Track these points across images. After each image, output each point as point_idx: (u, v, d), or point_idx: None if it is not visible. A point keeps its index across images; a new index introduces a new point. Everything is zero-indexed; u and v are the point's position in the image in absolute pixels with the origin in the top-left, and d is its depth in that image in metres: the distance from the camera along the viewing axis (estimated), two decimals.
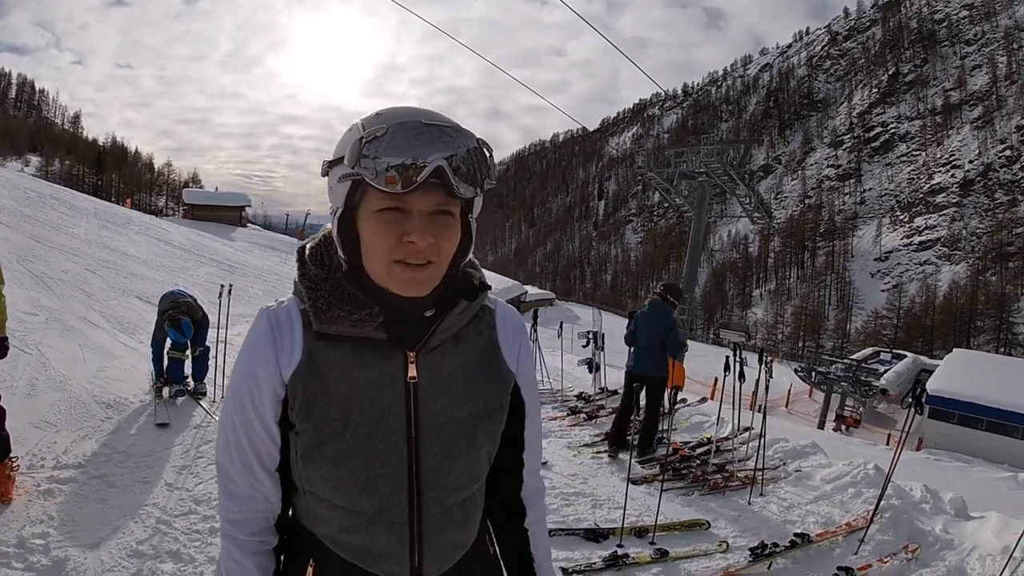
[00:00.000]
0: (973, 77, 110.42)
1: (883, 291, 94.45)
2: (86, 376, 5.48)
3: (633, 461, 4.82)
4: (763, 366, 5.20)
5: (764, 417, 4.99)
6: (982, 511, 4.77)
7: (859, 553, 3.83)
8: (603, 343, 7.60)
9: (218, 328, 5.74)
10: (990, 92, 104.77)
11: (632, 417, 5.15)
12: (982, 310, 79.05)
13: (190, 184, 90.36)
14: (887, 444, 13.52)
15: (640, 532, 3.86)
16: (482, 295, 1.00)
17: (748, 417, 5.81)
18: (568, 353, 9.29)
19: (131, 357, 6.41)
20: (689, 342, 6.26)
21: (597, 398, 7.26)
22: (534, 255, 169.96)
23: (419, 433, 0.92)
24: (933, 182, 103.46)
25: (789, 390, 23.46)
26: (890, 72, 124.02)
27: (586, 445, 5.74)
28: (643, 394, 5.67)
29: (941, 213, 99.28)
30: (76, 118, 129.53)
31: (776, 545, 3.71)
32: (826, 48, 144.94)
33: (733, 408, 5.70)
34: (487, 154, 0.89)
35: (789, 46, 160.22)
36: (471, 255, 0.98)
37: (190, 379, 5.55)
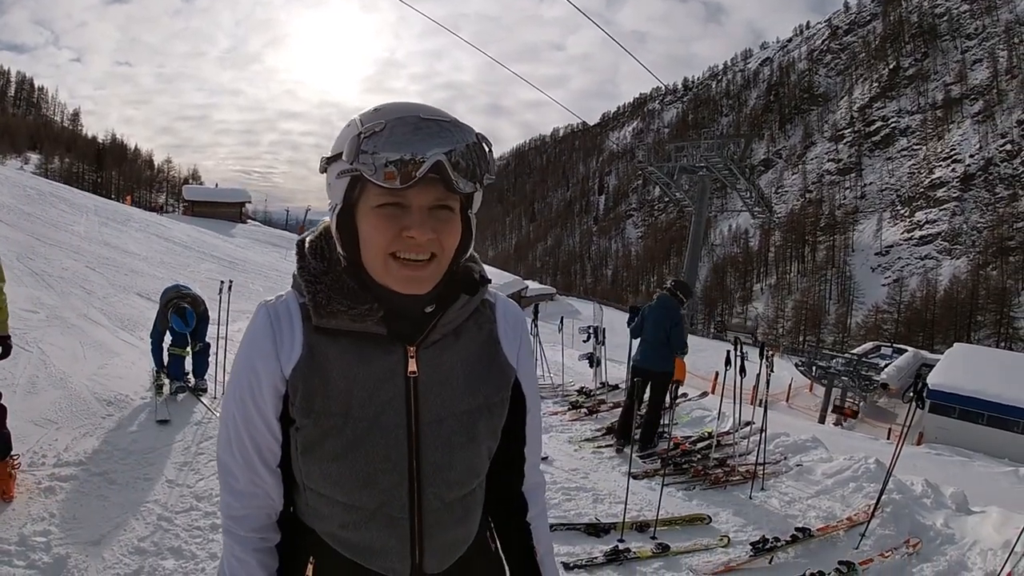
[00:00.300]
0: (974, 71, 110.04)
1: (884, 285, 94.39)
2: (87, 373, 5.48)
3: (634, 456, 4.82)
4: (764, 360, 5.20)
5: (765, 412, 4.99)
6: (983, 506, 4.78)
7: (860, 547, 3.84)
8: (604, 338, 7.60)
9: (218, 324, 5.74)
10: (991, 86, 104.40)
11: (635, 412, 5.16)
12: (983, 304, 79.00)
13: (190, 181, 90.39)
14: (888, 439, 13.55)
15: (641, 527, 3.86)
16: (482, 289, 0.99)
17: (749, 412, 5.81)
18: (569, 348, 9.31)
19: (131, 354, 6.41)
20: (690, 336, 6.25)
21: (598, 393, 7.27)
22: (534, 250, 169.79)
23: (419, 428, 0.92)
24: (934, 176, 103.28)
25: (790, 385, 23.51)
26: (891, 66, 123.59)
27: (587, 440, 5.75)
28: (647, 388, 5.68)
29: (942, 207, 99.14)
30: (75, 115, 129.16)
31: (777, 539, 3.71)
32: (826, 42, 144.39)
33: (734, 403, 5.69)
34: (486, 149, 0.88)
35: (789, 40, 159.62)
36: (472, 250, 0.98)
37: (191, 375, 5.55)
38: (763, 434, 4.95)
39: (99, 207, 19.71)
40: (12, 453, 3.36)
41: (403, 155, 0.81)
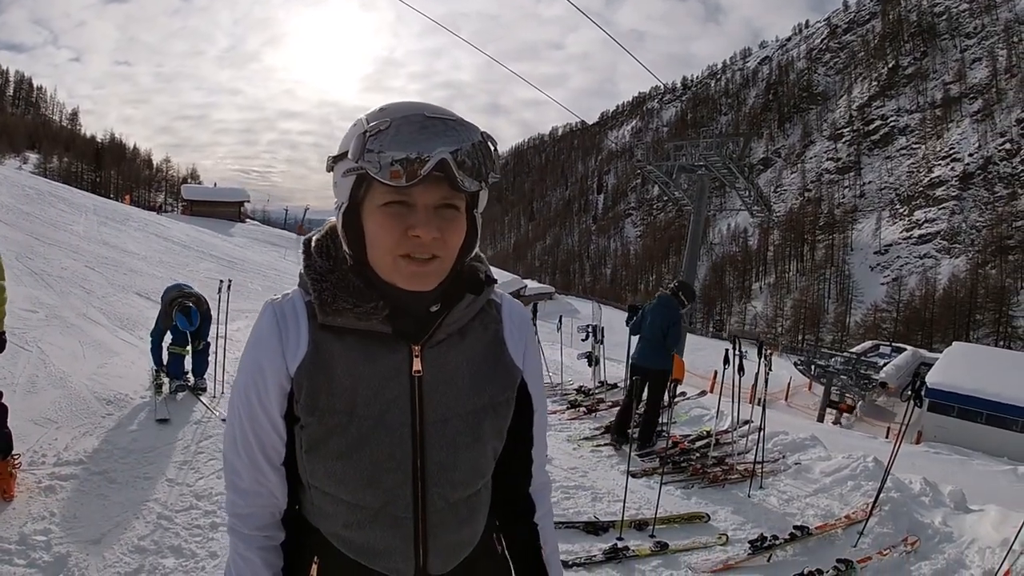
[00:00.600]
0: (973, 70, 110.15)
1: (882, 284, 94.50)
2: (86, 373, 5.48)
3: (633, 454, 4.83)
4: (762, 359, 5.21)
5: (763, 410, 5.00)
6: (981, 504, 4.79)
7: (858, 545, 3.85)
8: (603, 337, 7.59)
9: (217, 324, 5.74)
10: (990, 85, 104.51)
11: (634, 411, 5.16)
12: (982, 303, 79.13)
13: (189, 180, 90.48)
14: (886, 437, 13.56)
15: (640, 525, 3.87)
16: (488, 289, 0.99)
17: (748, 410, 5.82)
18: (568, 347, 9.30)
19: (131, 353, 6.40)
20: (688, 335, 6.27)
21: (597, 392, 7.27)
22: (533, 249, 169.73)
23: (424, 427, 0.92)
24: (933, 175, 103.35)
25: (788, 383, 23.53)
26: (890, 65, 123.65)
27: (586, 438, 5.76)
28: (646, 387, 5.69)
29: (941, 206, 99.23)
30: (74, 115, 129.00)
31: (776, 538, 3.72)
32: (825, 41, 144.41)
33: (733, 401, 5.71)
34: (491, 148, 0.88)
35: (788, 39, 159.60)
36: (477, 249, 0.98)
37: (190, 374, 5.55)
38: (762, 432, 4.97)
39: (98, 206, 19.64)
40: (13, 452, 3.37)
41: (408, 153, 0.81)
